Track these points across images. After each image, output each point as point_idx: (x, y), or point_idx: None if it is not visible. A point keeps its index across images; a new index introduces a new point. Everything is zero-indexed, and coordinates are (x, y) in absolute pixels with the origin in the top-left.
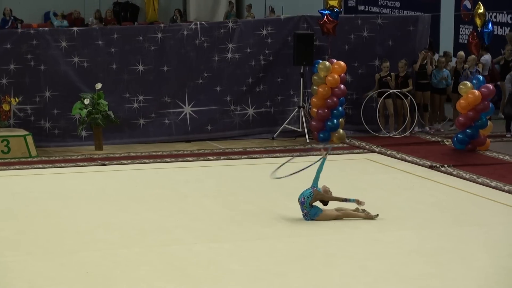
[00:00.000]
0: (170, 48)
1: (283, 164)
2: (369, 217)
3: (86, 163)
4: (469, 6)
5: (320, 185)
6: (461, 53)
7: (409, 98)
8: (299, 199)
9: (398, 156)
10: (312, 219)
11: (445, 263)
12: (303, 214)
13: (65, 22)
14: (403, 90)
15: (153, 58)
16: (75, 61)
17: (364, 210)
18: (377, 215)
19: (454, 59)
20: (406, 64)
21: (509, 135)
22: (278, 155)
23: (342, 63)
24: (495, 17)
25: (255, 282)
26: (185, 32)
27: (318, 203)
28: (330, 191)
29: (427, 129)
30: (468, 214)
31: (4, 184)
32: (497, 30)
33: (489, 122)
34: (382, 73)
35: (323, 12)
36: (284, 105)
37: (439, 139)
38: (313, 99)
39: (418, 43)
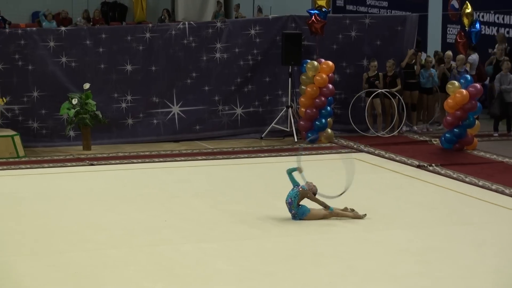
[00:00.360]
0: (158, 48)
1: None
2: (357, 216)
3: (74, 163)
4: (456, 5)
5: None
6: (449, 52)
7: (397, 97)
8: (286, 200)
9: (386, 155)
10: (300, 219)
11: (433, 262)
12: (291, 215)
13: (54, 23)
14: (392, 89)
15: (141, 58)
16: (63, 61)
17: (352, 210)
18: (365, 214)
19: None
20: (394, 64)
21: (496, 135)
22: (266, 154)
23: (330, 62)
24: (483, 16)
25: (244, 282)
26: (173, 32)
27: (305, 202)
28: (314, 185)
29: (415, 129)
30: (456, 213)
31: None
32: (485, 29)
33: (476, 122)
34: (370, 72)
35: (311, 11)
36: (272, 105)
37: (427, 139)
38: (301, 99)
39: (406, 43)
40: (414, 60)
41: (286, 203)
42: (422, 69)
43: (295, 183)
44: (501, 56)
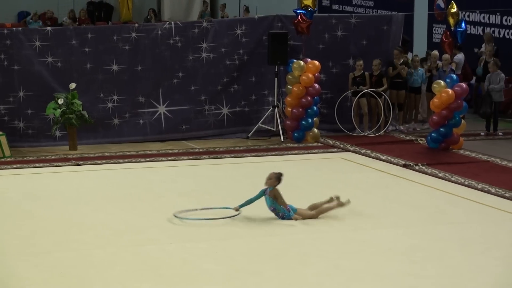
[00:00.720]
0: (144, 47)
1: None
2: (341, 204)
3: (60, 163)
4: (442, 5)
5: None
6: (435, 52)
7: (383, 97)
8: (268, 209)
9: (373, 155)
10: (289, 219)
11: (420, 261)
12: (279, 217)
13: (40, 23)
14: (378, 89)
15: (128, 58)
16: (49, 61)
17: (338, 197)
18: (348, 200)
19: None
20: (380, 63)
21: (483, 134)
22: (252, 154)
23: (316, 62)
24: (468, 16)
25: (230, 282)
26: (159, 32)
27: (292, 202)
28: (273, 174)
29: (401, 128)
30: (442, 213)
31: None
32: (470, 29)
33: (462, 121)
34: (356, 72)
35: (297, 11)
36: (258, 105)
37: (413, 138)
38: (288, 99)
39: (392, 42)
40: (402, 60)
41: (270, 210)
42: (409, 69)
43: (259, 194)
44: (490, 58)
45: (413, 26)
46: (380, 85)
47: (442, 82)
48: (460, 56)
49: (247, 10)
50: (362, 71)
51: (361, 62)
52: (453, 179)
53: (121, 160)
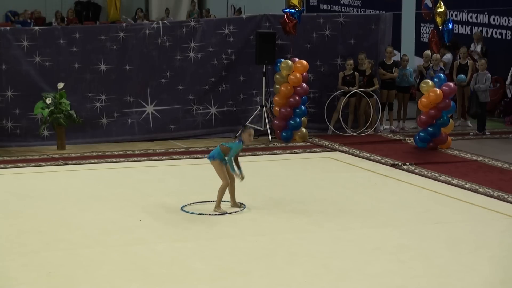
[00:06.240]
0: (132, 47)
1: None
2: (235, 204)
3: (48, 163)
4: (430, 4)
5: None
6: (428, 52)
7: (374, 97)
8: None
9: (361, 154)
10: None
11: (407, 261)
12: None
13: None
14: (368, 89)
15: (115, 57)
16: (36, 61)
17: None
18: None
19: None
20: (372, 64)
21: (471, 134)
22: (240, 154)
23: (304, 61)
24: (456, 15)
25: (218, 281)
26: (147, 31)
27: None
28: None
29: (392, 128)
30: (430, 212)
31: None
32: (458, 28)
33: (450, 120)
34: (346, 71)
35: (286, 10)
36: (246, 104)
37: (401, 138)
38: (276, 98)
39: (380, 42)
40: (392, 61)
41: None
42: (398, 68)
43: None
44: (465, 60)
45: (400, 26)
46: (371, 85)
47: (430, 82)
48: (449, 56)
49: (239, 11)
50: (352, 70)
51: (352, 61)
52: (441, 178)
53: (109, 160)
